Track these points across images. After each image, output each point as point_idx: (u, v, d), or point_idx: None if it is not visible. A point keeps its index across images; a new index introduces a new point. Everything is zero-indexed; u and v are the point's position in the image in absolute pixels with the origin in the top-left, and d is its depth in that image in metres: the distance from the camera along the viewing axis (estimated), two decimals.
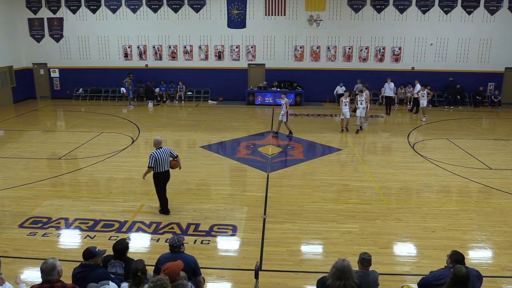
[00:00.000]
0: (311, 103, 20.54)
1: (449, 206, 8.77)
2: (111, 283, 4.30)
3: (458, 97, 20.04)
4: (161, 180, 8.13)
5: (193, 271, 4.83)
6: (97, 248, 4.72)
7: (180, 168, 8.40)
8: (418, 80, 18.87)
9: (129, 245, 5.12)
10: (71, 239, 7.38)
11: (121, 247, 4.89)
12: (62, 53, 21.29)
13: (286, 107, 13.99)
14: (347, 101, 14.90)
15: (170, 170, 8.24)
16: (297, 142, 13.85)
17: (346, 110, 14.83)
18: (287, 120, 14.20)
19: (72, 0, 20.52)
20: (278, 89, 20.10)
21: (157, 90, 20.87)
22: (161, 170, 7.99)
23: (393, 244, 7.22)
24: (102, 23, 20.69)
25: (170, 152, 8.14)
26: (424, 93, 16.95)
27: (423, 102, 17.08)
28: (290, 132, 14.33)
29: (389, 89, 18.44)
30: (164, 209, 8.29)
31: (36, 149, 12.90)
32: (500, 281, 6.19)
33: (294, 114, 18.36)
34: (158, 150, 7.95)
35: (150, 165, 7.92)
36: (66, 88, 21.72)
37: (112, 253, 4.96)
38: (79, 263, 4.68)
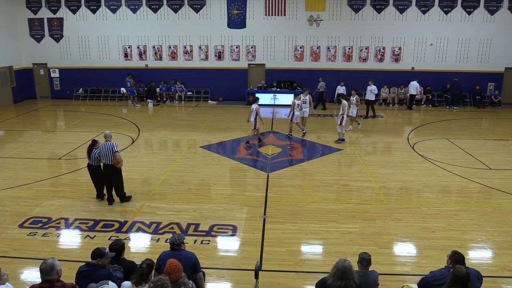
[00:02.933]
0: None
1: (449, 206, 8.77)
2: (110, 282, 4.31)
3: (477, 97, 20.06)
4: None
5: (194, 267, 4.89)
6: (107, 250, 4.77)
7: (118, 165, 8.51)
8: (417, 78, 19.00)
9: (129, 245, 5.15)
10: (71, 239, 7.38)
11: (117, 246, 4.96)
12: (62, 53, 21.30)
13: (257, 113, 12.95)
14: (305, 99, 14.41)
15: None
16: (297, 142, 13.85)
17: (305, 109, 14.45)
18: (255, 128, 13.15)
19: (72, 0, 20.53)
20: (278, 89, 20.12)
21: (157, 90, 20.87)
22: (104, 163, 8.52)
23: (393, 244, 7.22)
24: (102, 23, 20.69)
25: (111, 148, 8.40)
26: (354, 99, 15.06)
27: (353, 111, 15.09)
28: (260, 140, 13.55)
29: (369, 92, 17.34)
30: (108, 198, 8.83)
31: (36, 149, 12.90)
32: (500, 281, 6.19)
33: None
34: (104, 143, 8.47)
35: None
36: (66, 88, 21.72)
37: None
38: (79, 263, 4.69)
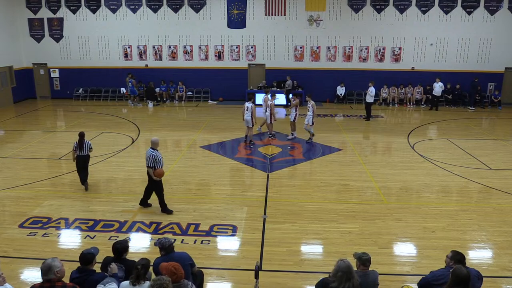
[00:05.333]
0: None
1: (449, 206, 8.77)
2: (113, 284, 4.30)
3: (478, 97, 20.10)
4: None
5: (190, 265, 5.01)
6: (92, 250, 4.68)
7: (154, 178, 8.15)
8: (439, 78, 19.11)
9: (129, 245, 5.14)
10: (71, 239, 7.38)
11: (120, 246, 4.92)
12: (62, 53, 21.30)
13: (254, 112, 13.10)
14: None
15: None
16: (297, 142, 13.84)
17: (268, 114, 13.93)
18: (253, 126, 13.27)
19: (72, 0, 20.53)
20: (278, 89, 20.12)
21: (157, 90, 20.89)
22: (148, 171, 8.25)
23: (393, 244, 7.22)
24: (102, 23, 20.69)
25: (146, 158, 8.07)
26: (294, 102, 13.95)
27: (291, 116, 14.00)
28: (250, 141, 13.41)
29: (369, 95, 16.90)
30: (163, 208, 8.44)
31: (36, 149, 12.90)
32: (500, 281, 6.19)
33: None
34: (148, 149, 8.21)
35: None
36: (66, 88, 21.73)
37: (110, 254, 4.99)
38: (79, 263, 4.66)
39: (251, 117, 13.01)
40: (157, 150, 8.14)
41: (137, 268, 4.28)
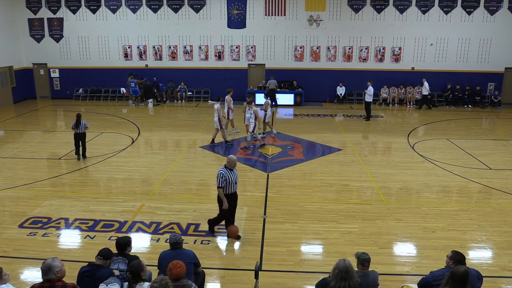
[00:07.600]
0: (311, 103, 20.56)
1: (449, 206, 8.77)
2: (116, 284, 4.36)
3: (477, 98, 20.19)
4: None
5: (195, 264, 5.12)
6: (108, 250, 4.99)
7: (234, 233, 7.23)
8: (426, 78, 19.12)
9: (131, 243, 5.23)
10: (71, 239, 7.37)
11: (122, 241, 5.08)
12: (62, 53, 21.30)
13: (220, 114, 12.99)
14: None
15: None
16: (297, 142, 13.84)
17: (247, 115, 13.75)
18: (221, 128, 13.19)
19: (72, 0, 20.53)
20: (278, 89, 20.11)
21: (155, 90, 20.86)
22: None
23: (393, 244, 7.21)
24: (102, 23, 20.69)
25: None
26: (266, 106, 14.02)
27: (264, 117, 14.24)
28: (213, 140, 13.36)
29: (368, 94, 16.84)
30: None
31: (36, 149, 12.90)
32: (500, 281, 6.19)
33: (293, 114, 18.42)
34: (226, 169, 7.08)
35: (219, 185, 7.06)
36: (66, 88, 21.72)
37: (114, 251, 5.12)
38: (79, 263, 4.71)
39: (218, 118, 12.93)
40: (230, 170, 7.07)
41: (128, 276, 4.40)
